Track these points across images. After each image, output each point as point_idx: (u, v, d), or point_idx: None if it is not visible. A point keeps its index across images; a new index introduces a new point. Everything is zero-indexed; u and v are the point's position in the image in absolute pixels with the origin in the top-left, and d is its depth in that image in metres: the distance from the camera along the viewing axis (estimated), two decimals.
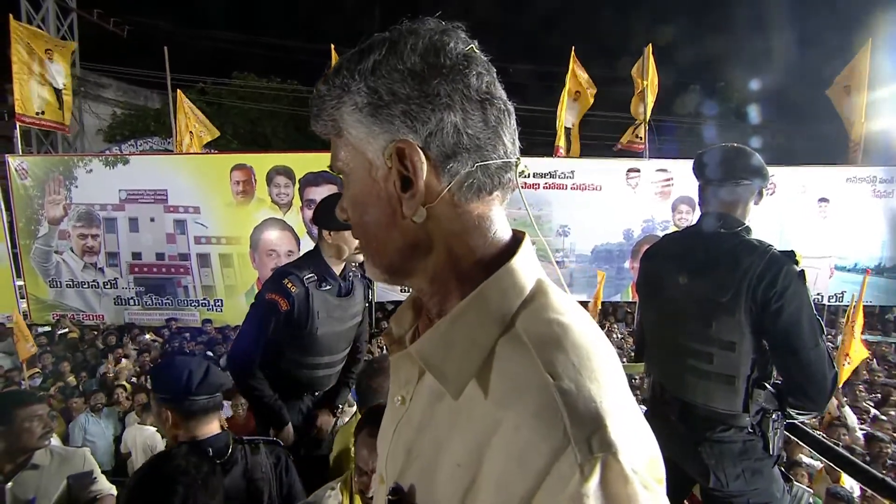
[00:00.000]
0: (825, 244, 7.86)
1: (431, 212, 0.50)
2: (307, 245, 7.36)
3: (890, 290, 8.16)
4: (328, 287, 2.09)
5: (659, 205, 7.98)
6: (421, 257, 0.53)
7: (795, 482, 2.56)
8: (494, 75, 0.53)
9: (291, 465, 1.70)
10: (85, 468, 1.99)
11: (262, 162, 7.48)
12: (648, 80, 8.05)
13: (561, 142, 7.84)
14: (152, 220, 7.32)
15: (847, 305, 7.54)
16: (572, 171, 7.62)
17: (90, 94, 15.31)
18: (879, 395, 5.87)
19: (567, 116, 8.04)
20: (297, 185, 7.38)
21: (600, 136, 10.72)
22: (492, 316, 0.49)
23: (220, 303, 7.48)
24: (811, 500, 2.90)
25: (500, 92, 0.53)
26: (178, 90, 8.61)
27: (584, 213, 7.56)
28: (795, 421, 1.55)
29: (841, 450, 1.43)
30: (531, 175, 7.69)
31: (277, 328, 1.99)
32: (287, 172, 7.40)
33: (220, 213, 7.37)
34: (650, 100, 8.05)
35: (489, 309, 0.50)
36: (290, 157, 7.64)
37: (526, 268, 0.53)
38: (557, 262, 7.75)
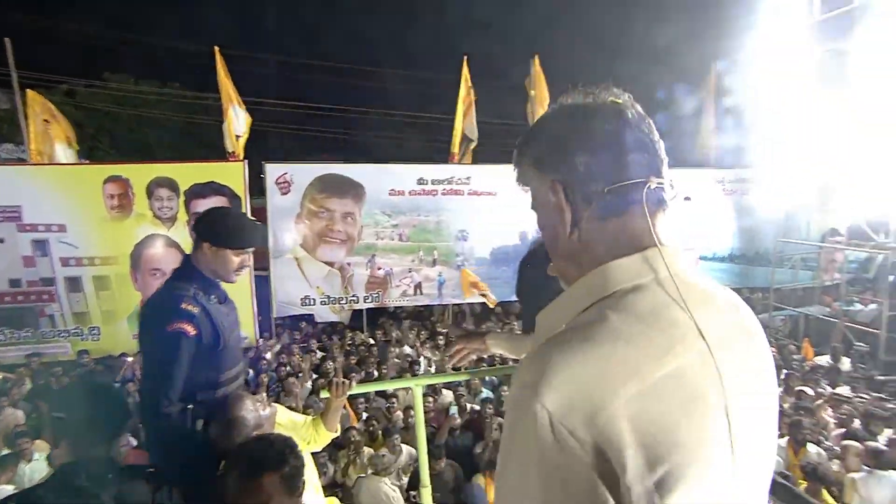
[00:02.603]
0: (690, 237, 8.93)
1: (581, 228, 0.67)
2: None
3: (741, 274, 9.47)
4: (214, 297, 2.00)
5: None
6: (574, 261, 0.69)
7: None
8: (625, 119, 0.68)
9: None
10: None
11: (140, 173, 6.87)
12: (537, 90, 8.60)
13: (456, 148, 8.10)
14: (1, 241, 6.40)
15: None
16: (469, 177, 7.91)
17: None
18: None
19: (468, 125, 8.31)
20: (183, 198, 6.88)
21: (495, 143, 11.23)
22: (565, 308, 0.67)
23: (96, 331, 6.74)
24: None
25: (630, 126, 0.68)
26: (29, 90, 7.58)
27: (481, 217, 7.90)
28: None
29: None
30: (429, 182, 7.86)
31: (189, 359, 1.83)
32: (170, 184, 6.87)
33: (93, 230, 6.65)
34: (538, 108, 8.58)
35: (568, 302, 0.67)
36: (173, 167, 7.11)
37: (614, 275, 0.64)
38: (458, 266, 8.00)
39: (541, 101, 8.57)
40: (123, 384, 5.28)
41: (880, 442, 4.12)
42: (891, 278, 7.71)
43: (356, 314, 8.11)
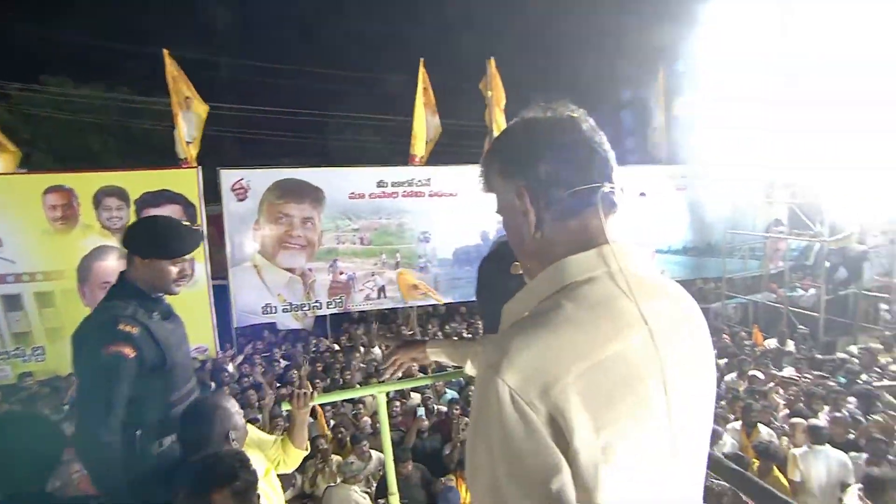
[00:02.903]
0: (646, 232, 9.24)
1: (544, 228, 0.74)
2: None
3: (694, 266, 9.88)
4: (157, 314, 1.88)
5: None
6: (537, 258, 0.76)
7: None
8: (580, 131, 0.76)
9: None
10: None
11: (85, 182, 6.55)
12: (493, 91, 8.70)
13: (415, 150, 8.09)
14: None
15: None
16: (429, 179, 7.92)
17: None
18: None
19: (428, 128, 8.31)
20: (134, 207, 6.59)
21: (455, 144, 11.30)
22: (526, 300, 0.74)
23: (40, 350, 6.36)
24: None
25: (585, 138, 0.76)
26: None
27: (443, 218, 7.92)
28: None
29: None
30: (390, 184, 7.83)
31: (131, 383, 1.72)
32: (119, 193, 6.57)
33: (33, 244, 6.29)
34: (496, 110, 8.68)
35: (530, 293, 0.75)
36: (121, 175, 6.81)
37: (569, 269, 0.72)
38: (421, 268, 8.01)
39: (497, 102, 8.66)
40: (72, 406, 5.01)
41: (820, 419, 4.42)
42: (827, 265, 8.22)
43: (320, 320, 7.99)
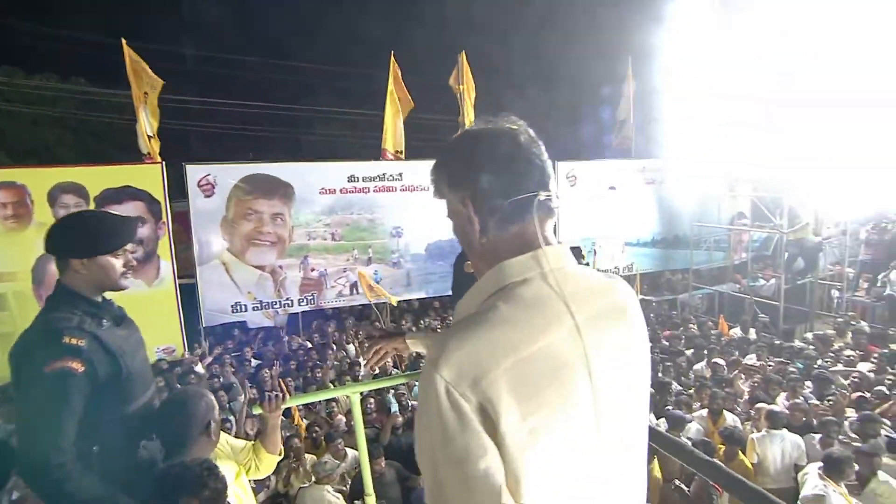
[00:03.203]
0: (616, 225, 9.43)
1: (488, 234, 0.80)
2: None
3: (663, 257, 10.15)
4: (107, 320, 1.73)
5: None
6: (484, 260, 0.82)
7: None
8: (518, 143, 0.81)
9: None
10: None
11: (39, 178, 6.25)
12: (465, 85, 8.68)
13: (387, 145, 8.02)
14: None
15: (635, 274, 9.22)
16: (401, 173, 7.87)
17: None
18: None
19: (398, 122, 8.24)
20: (94, 205, 6.31)
21: (427, 138, 11.26)
22: (473, 298, 0.81)
23: None
24: None
25: (523, 150, 0.81)
26: None
27: (416, 213, 7.88)
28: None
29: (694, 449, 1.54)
30: (361, 179, 7.75)
31: (82, 399, 1.58)
32: (77, 190, 6.29)
33: None
34: (466, 103, 8.67)
35: (476, 292, 0.81)
36: (79, 171, 6.52)
37: (507, 271, 0.79)
38: (394, 263, 7.96)
39: (469, 95, 8.67)
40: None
41: (778, 404, 4.62)
42: (785, 255, 8.57)
43: (292, 318, 7.87)
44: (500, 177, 0.80)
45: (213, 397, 1.63)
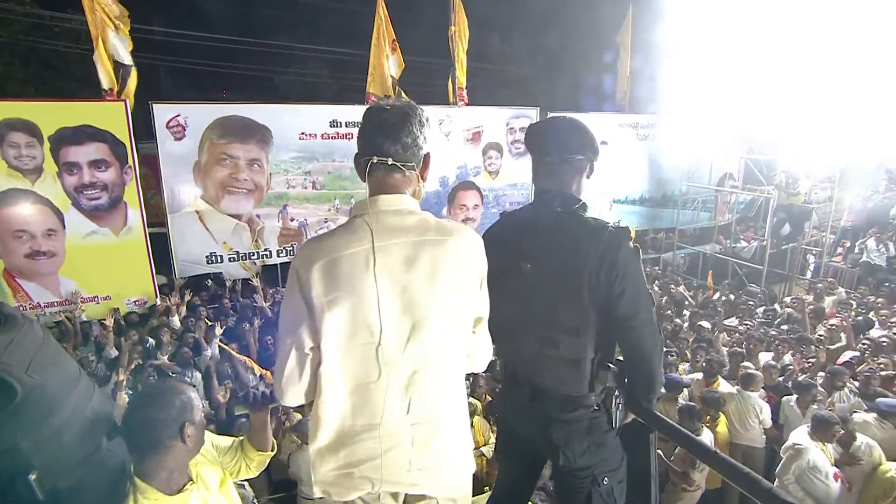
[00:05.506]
0: (605, 181, 9.21)
1: (365, 181, 1.23)
2: (72, 220, 5.91)
3: (650, 216, 10.07)
4: None
5: (470, 151, 8.36)
6: None
7: None
8: (380, 116, 1.18)
9: None
10: None
11: None
12: (458, 26, 8.10)
13: (372, 88, 7.48)
14: None
15: None
16: None
17: None
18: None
19: (389, 65, 7.66)
20: (48, 145, 5.76)
21: (417, 81, 10.63)
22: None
23: None
24: None
25: (379, 121, 1.18)
26: None
27: None
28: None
29: (695, 437, 1.60)
30: (343, 124, 7.28)
31: None
32: (28, 127, 5.68)
33: None
34: (458, 45, 8.11)
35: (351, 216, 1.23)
36: (30, 106, 5.88)
37: (354, 208, 1.21)
38: None
39: (461, 37, 8.11)
40: None
41: (759, 363, 4.77)
42: (773, 220, 8.56)
43: (270, 270, 7.57)
44: (361, 141, 1.21)
45: (193, 394, 1.39)
